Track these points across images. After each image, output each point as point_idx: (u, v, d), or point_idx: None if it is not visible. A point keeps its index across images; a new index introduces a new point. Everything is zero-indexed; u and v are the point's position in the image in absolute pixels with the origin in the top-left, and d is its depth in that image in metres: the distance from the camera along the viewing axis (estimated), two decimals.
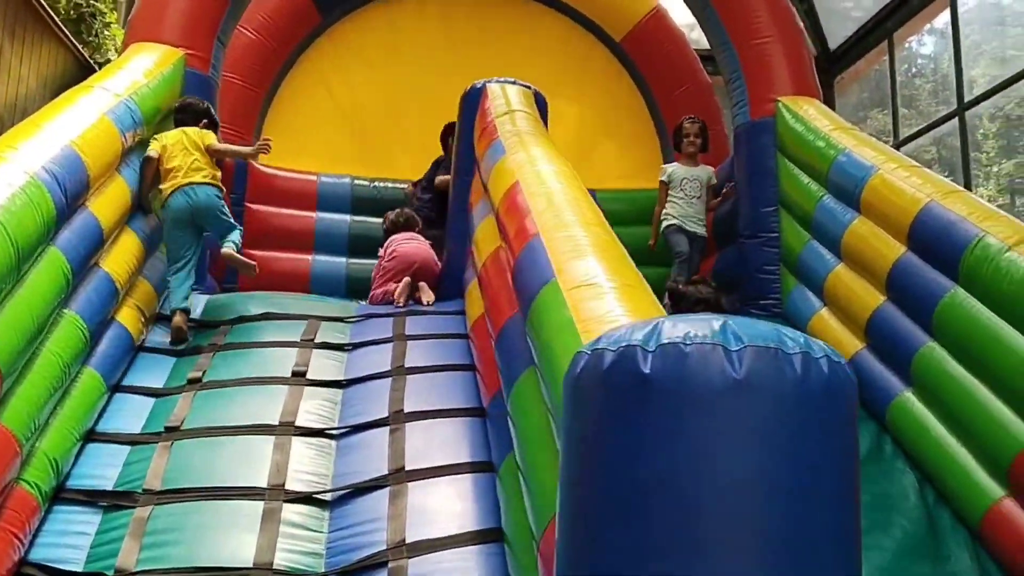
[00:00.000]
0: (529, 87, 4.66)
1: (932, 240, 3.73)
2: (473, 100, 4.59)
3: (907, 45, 10.15)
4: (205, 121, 4.51)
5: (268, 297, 4.58)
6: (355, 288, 5.87)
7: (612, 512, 1.53)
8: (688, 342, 1.53)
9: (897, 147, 9.84)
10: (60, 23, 5.58)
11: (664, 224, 5.46)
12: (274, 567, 2.71)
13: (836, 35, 10.61)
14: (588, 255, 2.57)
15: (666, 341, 1.54)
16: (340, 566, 2.74)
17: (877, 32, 9.98)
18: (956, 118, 9.00)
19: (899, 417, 3.81)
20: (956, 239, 3.57)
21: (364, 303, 4.94)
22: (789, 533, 1.49)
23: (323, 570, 2.75)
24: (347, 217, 6.11)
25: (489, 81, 4.66)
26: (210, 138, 4.41)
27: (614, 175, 6.54)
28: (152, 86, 4.33)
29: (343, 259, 6.02)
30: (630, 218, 6.29)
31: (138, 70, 4.38)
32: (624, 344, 1.57)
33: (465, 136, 4.60)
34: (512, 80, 4.67)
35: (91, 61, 6.02)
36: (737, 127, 5.42)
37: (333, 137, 6.36)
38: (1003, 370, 3.26)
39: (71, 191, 3.27)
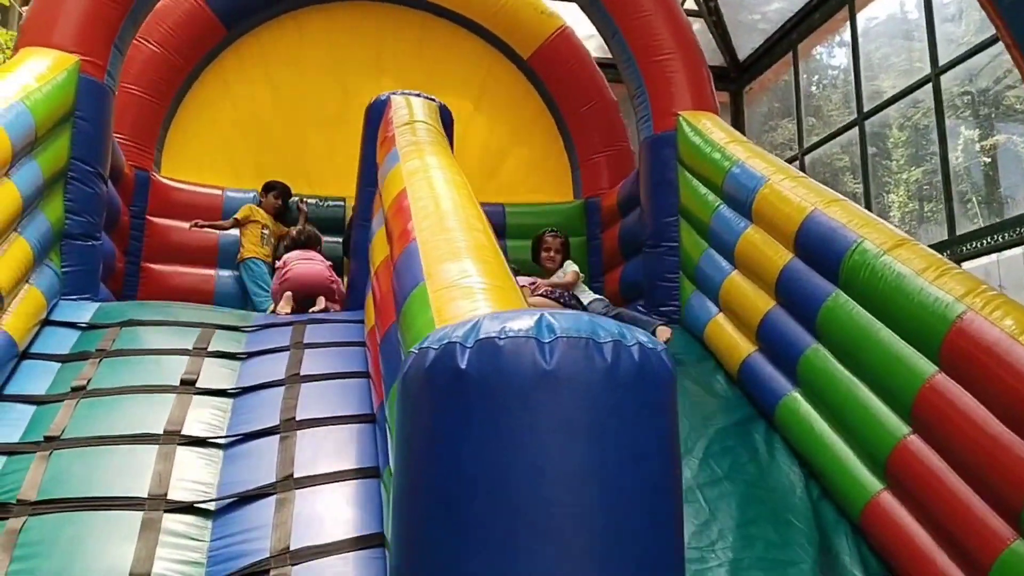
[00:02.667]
0: (433, 99, 4.69)
1: (815, 246, 3.88)
2: (378, 111, 4.59)
3: (816, 56, 10.55)
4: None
5: (164, 306, 4.49)
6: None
7: (435, 508, 1.55)
8: (503, 336, 1.56)
9: (803, 155, 10.24)
10: None
11: None
12: None
13: (744, 47, 10.99)
14: (463, 257, 2.58)
15: (483, 336, 1.57)
16: (222, 575, 2.69)
17: (783, 43, 10.37)
18: (857, 127, 9.39)
19: (787, 416, 3.94)
20: (837, 245, 3.72)
21: (266, 313, 4.88)
22: (605, 519, 1.51)
23: None
24: None
25: (394, 93, 4.68)
26: None
27: (524, 189, 6.63)
28: (45, 91, 4.22)
29: None
30: (537, 230, 6.40)
31: (29, 74, 4.26)
32: (446, 341, 1.59)
33: (368, 147, 4.60)
34: (417, 93, 4.70)
35: None
36: (641, 140, 5.55)
37: (238, 151, 6.30)
38: (878, 368, 3.40)
39: None
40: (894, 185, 9.74)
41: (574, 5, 6.06)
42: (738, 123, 11.29)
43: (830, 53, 10.52)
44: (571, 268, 5.48)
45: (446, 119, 4.67)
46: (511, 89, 6.78)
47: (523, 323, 1.60)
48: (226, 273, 5.93)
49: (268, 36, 6.45)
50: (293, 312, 4.83)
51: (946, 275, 3.22)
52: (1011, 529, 2.74)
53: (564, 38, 6.64)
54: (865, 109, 8.92)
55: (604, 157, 6.57)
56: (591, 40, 6.84)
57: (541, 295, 4.97)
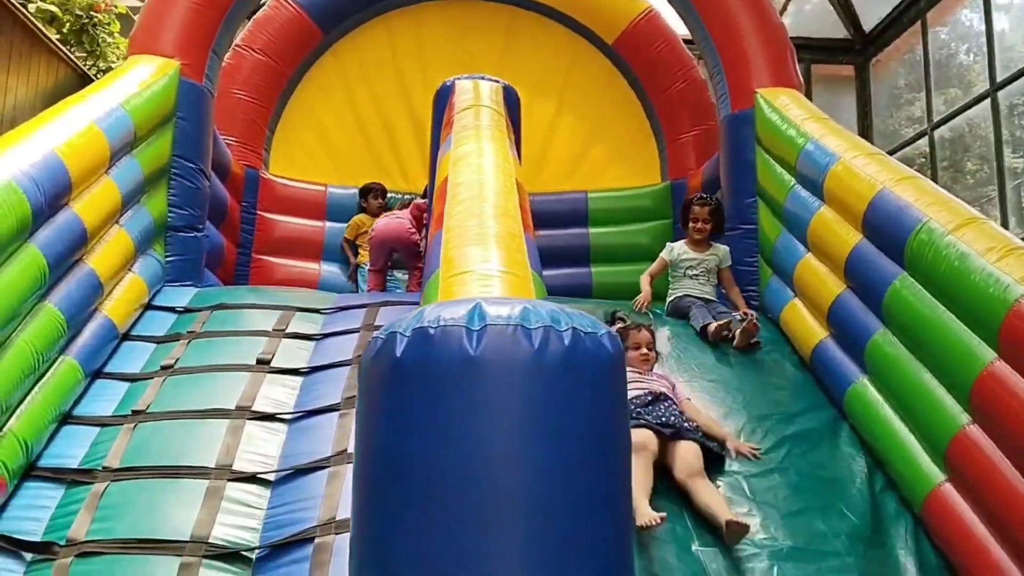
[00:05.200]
0: (498, 81, 4.77)
1: (882, 226, 3.73)
2: (444, 96, 4.73)
3: (953, 23, 9.89)
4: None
5: (254, 290, 4.82)
6: None
7: (373, 490, 1.65)
8: (435, 325, 1.63)
9: (932, 129, 9.65)
10: (49, 35, 5.94)
11: (670, 297, 5.00)
12: (209, 540, 2.89)
13: (870, 16, 10.41)
14: (485, 244, 2.65)
15: (418, 326, 1.65)
16: (272, 540, 2.92)
17: (912, 11, 9.77)
18: (988, 99, 8.78)
19: (855, 403, 3.82)
20: (903, 225, 3.57)
21: (348, 294, 5.15)
22: (530, 500, 1.56)
23: (257, 544, 2.93)
24: None
25: (460, 78, 4.80)
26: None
27: (611, 175, 6.63)
28: (145, 95, 4.61)
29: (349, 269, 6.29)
30: (626, 217, 6.42)
31: (133, 80, 4.66)
32: (391, 331, 1.69)
33: (435, 133, 4.74)
34: (482, 76, 4.80)
35: (93, 70, 6.38)
36: (720, 120, 5.45)
37: (338, 150, 6.63)
38: (941, 354, 3.26)
39: (50, 193, 3.53)
40: None
41: None
42: (864, 97, 10.77)
43: (966, 19, 9.85)
44: (723, 256, 5.01)
45: (511, 101, 4.74)
46: (596, 75, 6.77)
47: (457, 312, 1.68)
48: (329, 267, 6.28)
49: (362, 39, 6.71)
50: (381, 270, 5.60)
51: (1010, 255, 3.03)
52: None
53: (649, 20, 6.57)
54: (999, 79, 8.36)
55: (691, 137, 6.48)
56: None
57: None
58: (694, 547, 3.01)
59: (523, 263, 2.65)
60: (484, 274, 2.45)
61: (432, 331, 1.68)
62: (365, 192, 6.39)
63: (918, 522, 3.31)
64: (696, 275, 4.95)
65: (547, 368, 1.67)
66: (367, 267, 6.07)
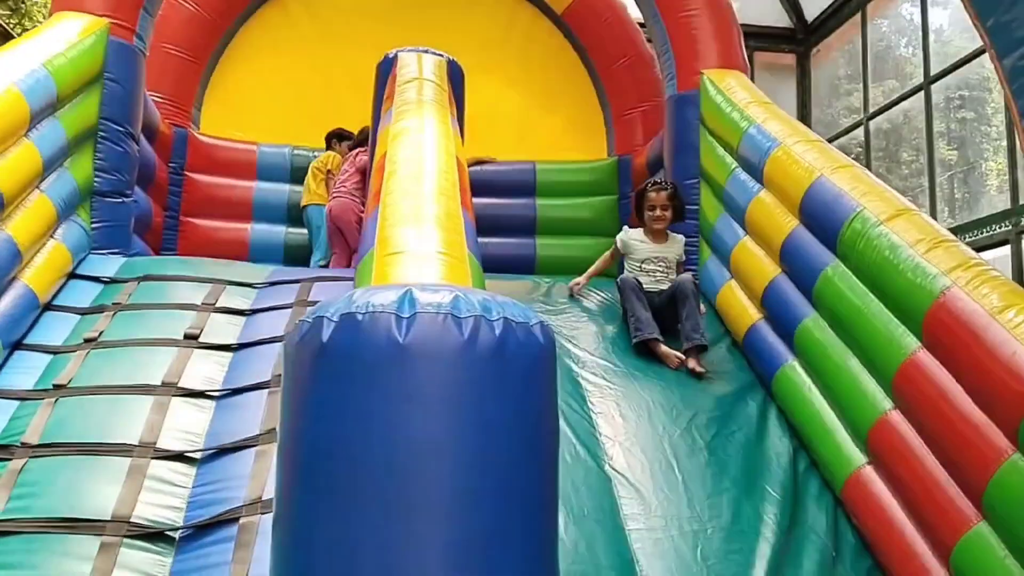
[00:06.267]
0: (442, 55, 4.70)
1: (818, 213, 3.79)
2: (386, 69, 4.64)
3: (890, 15, 10.06)
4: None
5: (184, 261, 4.68)
6: (294, 256, 6.01)
7: (294, 473, 1.62)
8: (364, 311, 1.60)
9: (868, 120, 9.84)
10: None
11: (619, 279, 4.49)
12: (131, 520, 2.82)
13: (812, 7, 10.56)
14: (421, 223, 2.62)
15: (346, 311, 1.62)
16: (196, 520, 2.86)
17: (852, 3, 9.93)
18: (922, 92, 8.98)
19: (783, 386, 3.89)
20: (837, 213, 3.63)
21: (282, 267, 5.03)
22: (454, 488, 1.56)
23: (180, 524, 2.87)
24: (286, 187, 6.20)
25: (402, 50, 4.71)
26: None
27: (559, 147, 6.60)
28: (70, 55, 4.40)
29: (282, 228, 6.15)
30: (572, 190, 6.40)
31: (58, 38, 4.45)
32: (318, 315, 1.65)
33: (376, 105, 4.66)
34: (425, 49, 4.71)
35: (18, 29, 6.10)
36: (666, 99, 5.45)
37: (273, 108, 6.42)
38: (868, 341, 3.34)
39: None
40: (992, 152, 9.28)
41: None
42: (804, 86, 10.93)
43: (906, 12, 10.03)
44: (680, 248, 4.65)
45: (455, 74, 4.68)
46: (545, 45, 6.70)
47: (387, 297, 1.65)
48: (261, 227, 6.12)
49: None
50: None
51: (939, 247, 3.11)
52: (975, 510, 2.68)
53: None
54: (933, 72, 8.54)
55: (639, 114, 6.46)
56: None
57: None
58: (624, 528, 3.05)
59: (460, 244, 2.63)
60: (419, 254, 2.43)
61: (360, 317, 1.65)
62: (335, 137, 6.24)
63: (839, 504, 3.40)
64: (653, 270, 4.50)
65: (476, 357, 1.65)
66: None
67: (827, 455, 3.49)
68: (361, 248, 2.76)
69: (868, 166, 9.24)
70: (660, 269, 4.52)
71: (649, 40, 6.52)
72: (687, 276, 4.42)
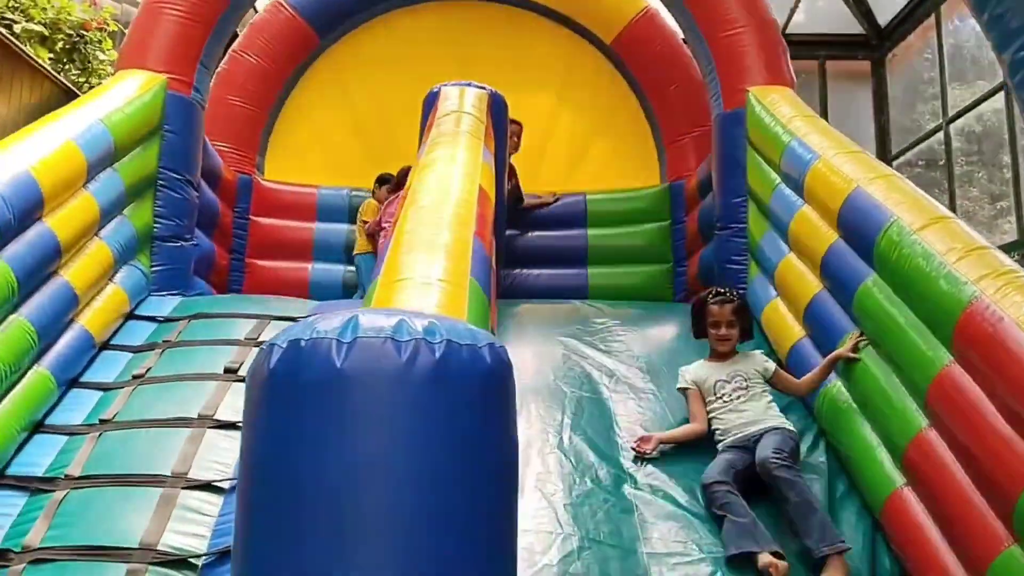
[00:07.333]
0: (484, 88, 4.77)
1: (854, 225, 3.64)
2: (430, 103, 4.75)
3: (965, 14, 9.62)
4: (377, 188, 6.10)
5: (237, 299, 4.88)
6: (351, 294, 6.15)
7: (251, 505, 1.67)
8: (307, 338, 1.63)
9: (947, 124, 9.38)
10: (41, 54, 6.09)
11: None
12: (158, 547, 2.93)
13: (885, 12, 10.19)
14: (431, 252, 2.66)
15: (292, 338, 1.65)
16: (219, 547, 2.94)
17: (925, 5, 9.54)
18: (1002, 92, 8.49)
19: (825, 406, 3.72)
20: (872, 224, 3.47)
21: (327, 302, 5.16)
22: (390, 512, 1.55)
23: (204, 551, 2.96)
24: (344, 227, 6.39)
25: (446, 84, 4.81)
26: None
27: (611, 175, 6.57)
28: (128, 110, 4.69)
29: (341, 267, 6.32)
30: (624, 218, 6.36)
31: (117, 95, 4.75)
32: (272, 343, 1.69)
33: (421, 138, 4.75)
34: (468, 82, 4.80)
35: (86, 87, 6.52)
36: (713, 119, 5.36)
37: (335, 152, 6.62)
38: (903, 356, 3.17)
39: (19, 209, 3.62)
40: None
41: None
42: (881, 92, 10.55)
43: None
44: (760, 361, 3.70)
45: (497, 106, 4.74)
46: (595, 75, 6.70)
47: (332, 324, 1.68)
48: (320, 266, 6.32)
49: (359, 41, 6.73)
50: None
51: (969, 256, 2.93)
52: (1007, 531, 2.48)
53: (647, 19, 6.48)
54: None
55: (691, 139, 6.36)
56: None
57: None
58: (640, 550, 2.96)
59: (463, 272, 2.66)
60: (420, 282, 2.47)
61: (303, 343, 1.68)
62: (376, 182, 6.35)
63: (877, 528, 3.21)
64: (731, 396, 3.56)
65: (414, 381, 1.66)
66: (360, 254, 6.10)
67: (867, 476, 3.31)
68: (372, 275, 2.83)
69: (950, 171, 8.80)
70: (737, 391, 3.57)
71: None
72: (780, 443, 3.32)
